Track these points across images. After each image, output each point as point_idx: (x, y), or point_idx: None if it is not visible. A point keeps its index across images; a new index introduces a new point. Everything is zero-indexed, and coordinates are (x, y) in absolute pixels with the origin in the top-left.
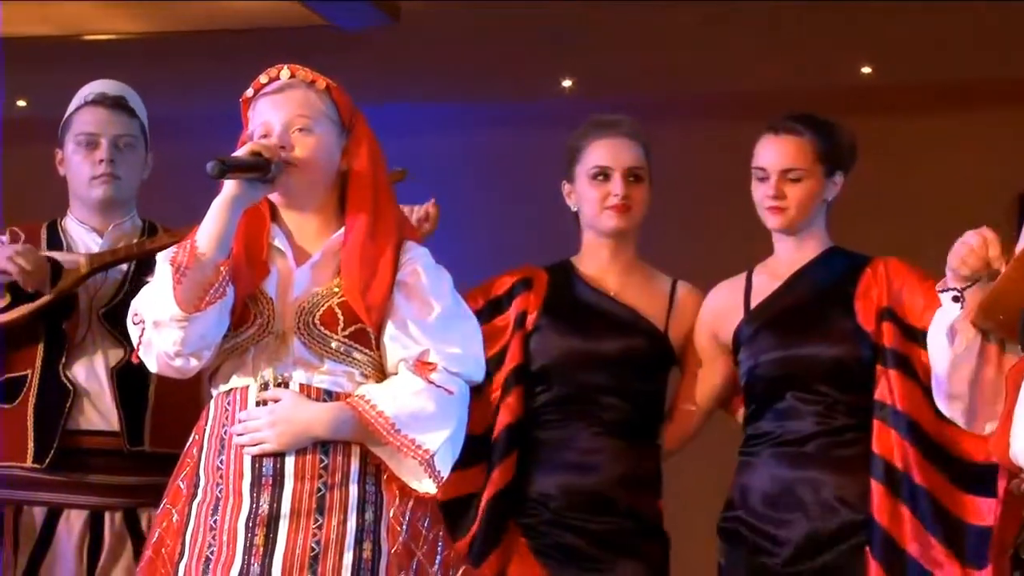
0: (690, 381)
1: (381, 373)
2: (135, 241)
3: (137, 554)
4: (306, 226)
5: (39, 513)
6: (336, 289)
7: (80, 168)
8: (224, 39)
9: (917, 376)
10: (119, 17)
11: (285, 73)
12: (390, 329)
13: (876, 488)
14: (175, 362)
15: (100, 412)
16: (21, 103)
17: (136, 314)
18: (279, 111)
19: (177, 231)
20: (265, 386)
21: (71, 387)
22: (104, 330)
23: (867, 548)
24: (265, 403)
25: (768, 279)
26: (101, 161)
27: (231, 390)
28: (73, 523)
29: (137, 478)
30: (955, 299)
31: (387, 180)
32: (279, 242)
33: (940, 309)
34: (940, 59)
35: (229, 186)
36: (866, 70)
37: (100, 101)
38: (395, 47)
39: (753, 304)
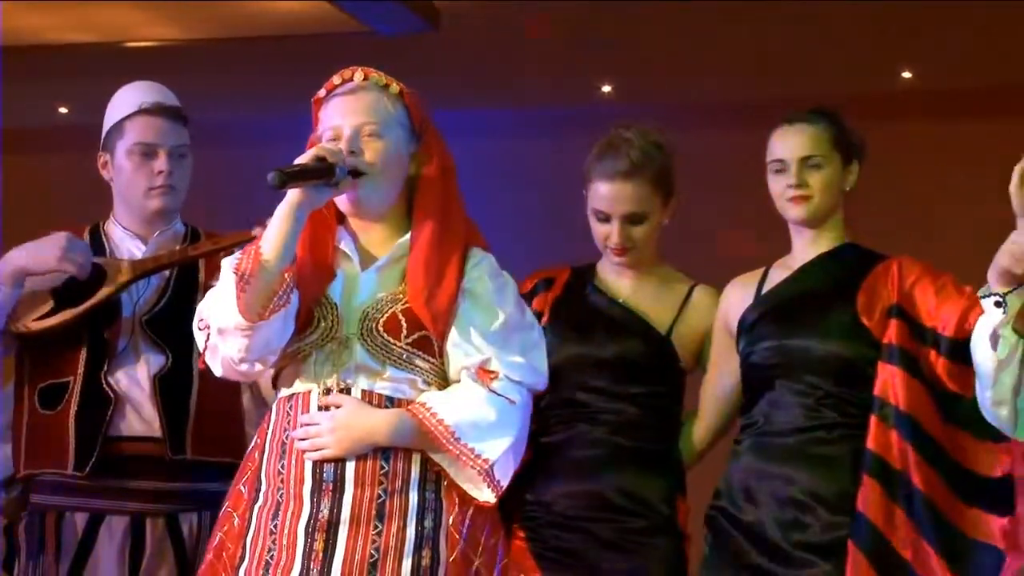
0: (708, 379)
1: (444, 381)
2: (177, 247)
3: (178, 560)
4: (373, 230)
5: (80, 519)
6: (401, 295)
7: (135, 177)
8: (264, 45)
9: (924, 377)
10: (160, 24)
11: (358, 76)
12: (453, 336)
13: (869, 484)
14: (240, 367)
15: (142, 419)
16: (63, 110)
17: (201, 319)
18: (350, 114)
19: (219, 236)
20: (327, 391)
21: (113, 394)
22: (146, 337)
23: (849, 543)
24: (327, 408)
25: (782, 271)
26: (160, 172)
27: (293, 395)
28: (115, 529)
29: (178, 484)
30: (997, 304)
31: (456, 185)
32: (345, 246)
33: (983, 315)
34: (980, 63)
35: (293, 192)
36: (906, 74)
37: (158, 111)
38: (434, 53)
39: (762, 294)
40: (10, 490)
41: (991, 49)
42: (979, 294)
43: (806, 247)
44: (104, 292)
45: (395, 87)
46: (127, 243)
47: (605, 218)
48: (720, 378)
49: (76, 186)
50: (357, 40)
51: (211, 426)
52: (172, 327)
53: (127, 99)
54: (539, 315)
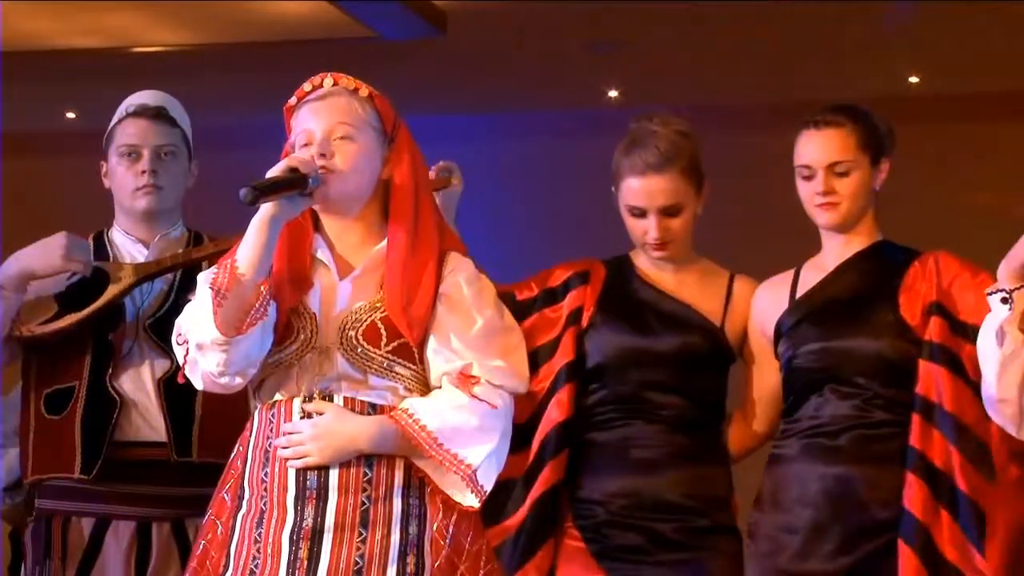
0: (749, 380)
1: (425, 387)
2: (180, 251)
3: (184, 565)
4: (349, 236)
5: (87, 524)
6: (379, 304)
7: (123, 179)
8: (271, 50)
9: (966, 374)
10: (167, 29)
11: (328, 81)
12: (433, 343)
13: (912, 481)
14: (220, 380)
15: (147, 423)
16: (70, 115)
17: (180, 334)
18: (321, 119)
19: (222, 240)
20: (309, 399)
21: (118, 398)
22: (151, 341)
23: (899, 541)
24: (309, 416)
25: (815, 273)
26: (143, 172)
27: (275, 403)
28: (121, 534)
29: (184, 489)
30: (1003, 300)
31: (429, 189)
32: (322, 254)
33: (989, 312)
34: (987, 68)
35: (266, 205)
36: (914, 79)
37: (141, 112)
38: (441, 57)
39: (798, 297)
40: (14, 496)
41: (999, 54)
42: (986, 292)
43: (839, 248)
44: (108, 295)
45: (364, 90)
46: (129, 248)
47: (641, 213)
48: (763, 380)
49: (84, 190)
50: (364, 44)
51: (217, 429)
52: None
53: (120, 108)
54: (579, 311)
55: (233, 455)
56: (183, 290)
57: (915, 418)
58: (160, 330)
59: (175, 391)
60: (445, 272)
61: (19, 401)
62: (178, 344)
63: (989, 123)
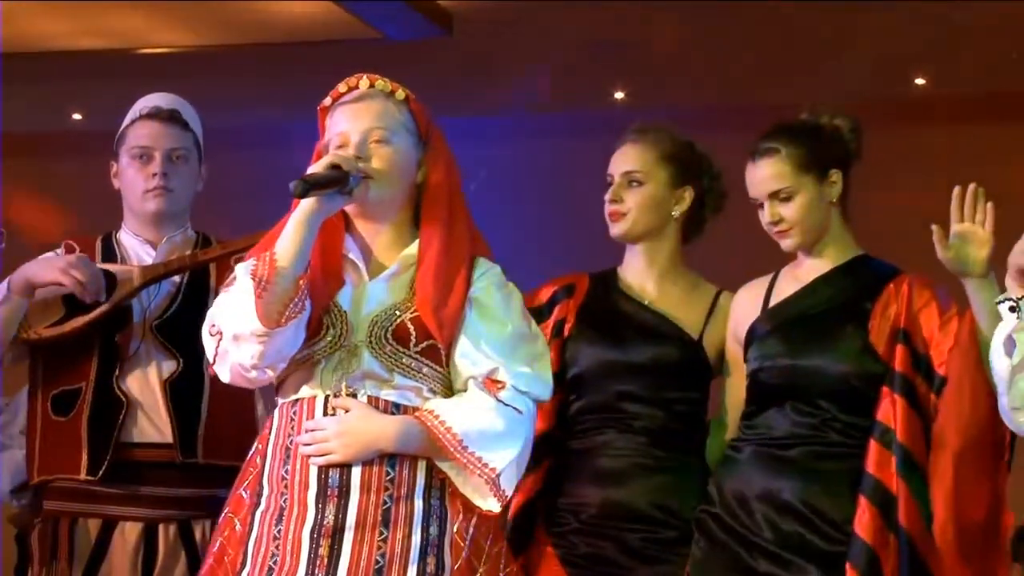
0: (723, 387)
1: (448, 390)
2: (188, 253)
3: (191, 566)
4: (380, 238)
5: (94, 525)
6: (409, 304)
7: (134, 181)
8: (277, 50)
9: (920, 409)
10: (173, 30)
11: (364, 83)
12: (461, 346)
13: (866, 507)
14: (250, 374)
15: (154, 424)
16: (77, 116)
17: (213, 325)
18: (357, 121)
19: (229, 242)
20: (335, 396)
21: (124, 399)
22: (157, 342)
23: (847, 565)
24: (334, 412)
25: (791, 283)
26: (155, 174)
27: (298, 400)
28: (127, 535)
29: (191, 490)
30: (1011, 309)
31: (462, 193)
32: (353, 255)
33: (1001, 321)
34: (993, 70)
35: (307, 200)
36: (920, 81)
37: (154, 114)
38: (447, 58)
39: (771, 304)
40: (20, 498)
41: (1004, 55)
42: (995, 301)
43: (814, 260)
44: (114, 298)
45: (401, 93)
46: (137, 249)
47: (609, 183)
48: (736, 388)
49: (89, 191)
50: (369, 45)
51: (223, 430)
52: (183, 332)
53: (133, 109)
54: (562, 323)
55: (252, 452)
56: (190, 292)
57: (872, 444)
58: (167, 331)
59: (181, 391)
60: (475, 276)
61: (25, 401)
62: (210, 335)
63: (996, 124)
